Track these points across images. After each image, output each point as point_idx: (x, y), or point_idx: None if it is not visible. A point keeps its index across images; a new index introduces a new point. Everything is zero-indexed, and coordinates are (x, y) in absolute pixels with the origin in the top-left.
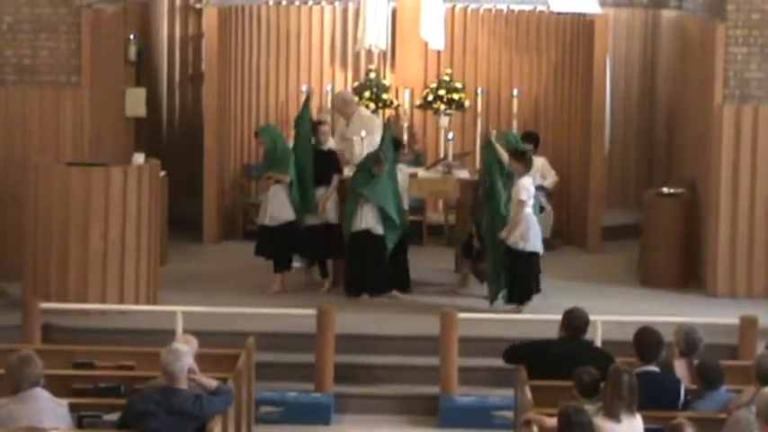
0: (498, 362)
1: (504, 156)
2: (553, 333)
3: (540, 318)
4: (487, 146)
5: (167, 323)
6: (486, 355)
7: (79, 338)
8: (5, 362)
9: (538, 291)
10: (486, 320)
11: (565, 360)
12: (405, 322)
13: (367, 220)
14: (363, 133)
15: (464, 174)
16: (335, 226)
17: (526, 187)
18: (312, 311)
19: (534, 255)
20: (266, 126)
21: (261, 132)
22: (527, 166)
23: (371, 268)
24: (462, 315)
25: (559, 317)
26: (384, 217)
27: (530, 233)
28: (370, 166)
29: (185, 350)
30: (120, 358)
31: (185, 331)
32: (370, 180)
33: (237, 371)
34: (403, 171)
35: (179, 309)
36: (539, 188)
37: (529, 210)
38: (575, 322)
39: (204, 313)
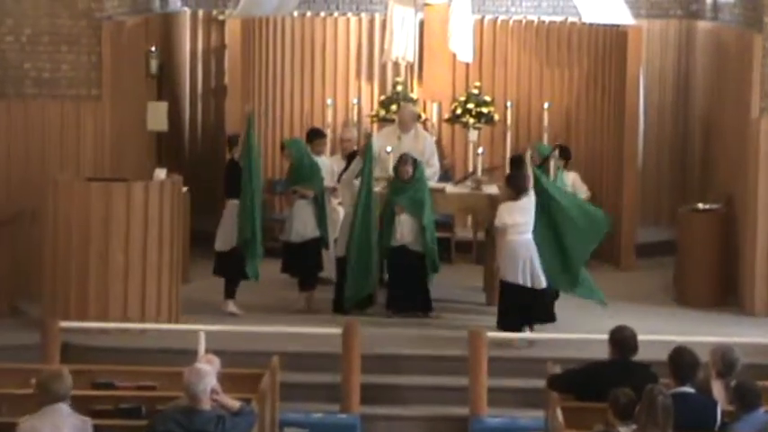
0: (528, 382)
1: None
2: (587, 353)
3: (571, 337)
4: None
5: (190, 342)
6: (516, 375)
7: (99, 358)
8: (26, 382)
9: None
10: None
11: (616, 386)
12: (433, 341)
13: (403, 234)
14: (389, 148)
15: (493, 189)
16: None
17: None
18: (338, 330)
19: None
20: (293, 139)
21: (288, 145)
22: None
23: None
24: (491, 334)
25: (592, 336)
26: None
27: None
28: (396, 167)
29: (208, 370)
30: (142, 378)
31: (208, 351)
32: (404, 188)
33: (261, 391)
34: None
35: (202, 327)
36: None
37: None
38: (628, 342)
39: (227, 332)
